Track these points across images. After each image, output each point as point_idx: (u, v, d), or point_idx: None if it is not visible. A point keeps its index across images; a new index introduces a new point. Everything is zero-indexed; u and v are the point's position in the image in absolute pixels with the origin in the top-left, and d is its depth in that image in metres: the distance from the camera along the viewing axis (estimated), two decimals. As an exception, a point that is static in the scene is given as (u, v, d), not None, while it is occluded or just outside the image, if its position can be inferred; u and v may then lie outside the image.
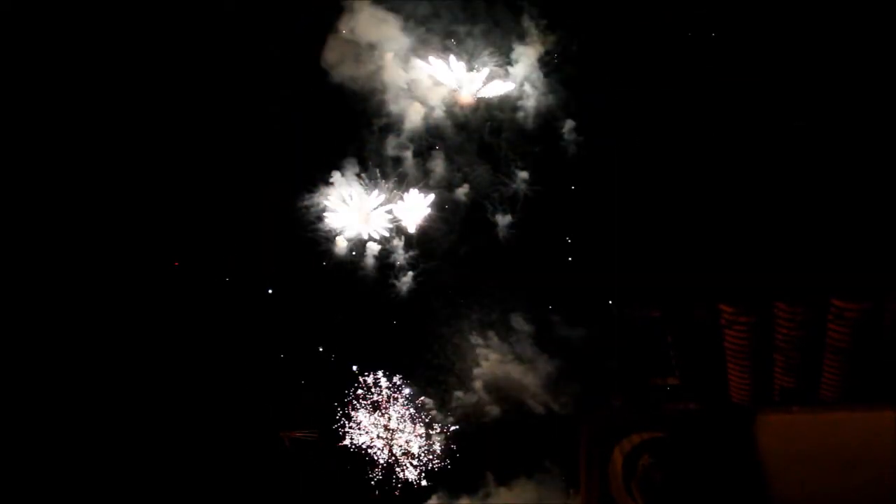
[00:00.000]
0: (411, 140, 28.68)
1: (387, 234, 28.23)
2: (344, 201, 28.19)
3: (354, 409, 27.65)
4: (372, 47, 27.85)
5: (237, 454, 26.38)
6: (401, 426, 27.30)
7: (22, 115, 25.70)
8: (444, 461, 27.33)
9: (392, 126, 28.76)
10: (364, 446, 27.43)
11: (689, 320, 16.55)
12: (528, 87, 28.06)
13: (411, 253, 28.45)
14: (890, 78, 22.01)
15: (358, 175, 28.49)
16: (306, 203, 28.57)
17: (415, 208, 27.68)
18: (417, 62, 27.17)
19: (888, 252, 16.75)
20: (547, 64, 27.75)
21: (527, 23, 27.45)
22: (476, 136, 28.60)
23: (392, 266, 28.45)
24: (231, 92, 26.80)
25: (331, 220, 28.22)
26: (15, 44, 25.48)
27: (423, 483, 27.36)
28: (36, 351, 25.31)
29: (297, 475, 26.76)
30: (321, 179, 28.43)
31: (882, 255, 16.93)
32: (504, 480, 26.15)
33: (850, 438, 14.99)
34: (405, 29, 27.65)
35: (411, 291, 28.32)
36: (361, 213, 28.40)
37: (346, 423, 27.68)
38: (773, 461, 15.09)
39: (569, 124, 27.92)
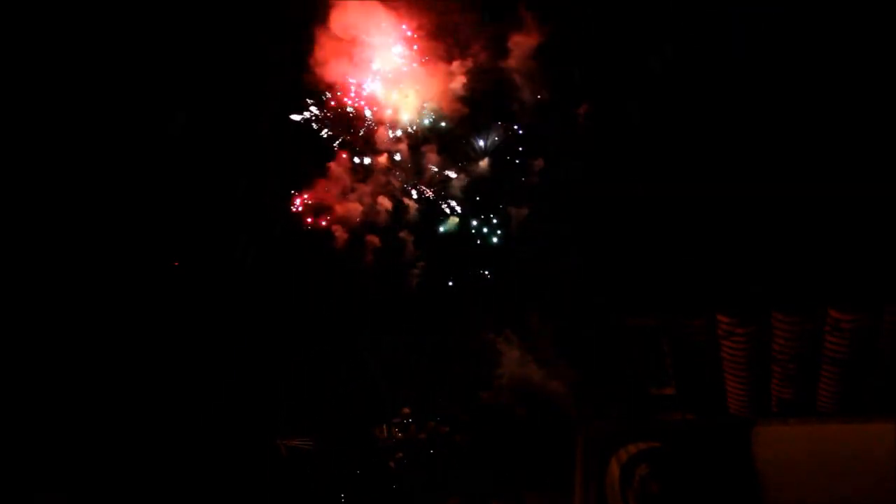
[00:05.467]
0: (405, 133, 28.57)
1: (387, 228, 28.16)
2: (341, 194, 28.10)
3: (355, 416, 27.63)
4: (363, 41, 27.71)
5: (232, 461, 26.33)
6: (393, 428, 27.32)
7: (15, 116, 25.62)
8: (432, 467, 27.28)
9: (385, 119, 28.62)
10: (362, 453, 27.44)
11: (686, 330, 16.56)
12: (520, 78, 27.91)
13: (414, 248, 28.37)
14: (888, 87, 21.96)
15: (353, 169, 28.36)
16: (302, 198, 28.43)
17: (415, 203, 27.61)
18: (409, 54, 27.08)
19: (885, 263, 16.79)
20: (542, 56, 27.59)
21: (522, 12, 27.28)
22: (470, 129, 28.49)
23: (394, 261, 28.38)
24: (222, 89, 26.69)
25: (328, 214, 28.10)
26: (12, 44, 25.41)
27: (414, 486, 27.34)
28: (32, 353, 25.27)
29: (292, 484, 26.75)
30: (316, 174, 28.29)
31: (879, 267, 16.97)
32: (497, 490, 26.12)
33: (848, 450, 14.97)
34: (397, 23, 27.54)
35: (415, 288, 28.25)
36: (359, 206, 28.33)
37: (346, 429, 27.68)
38: (771, 473, 15.08)
39: (563, 125, 27.81)
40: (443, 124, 28.36)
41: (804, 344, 15.26)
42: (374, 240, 28.00)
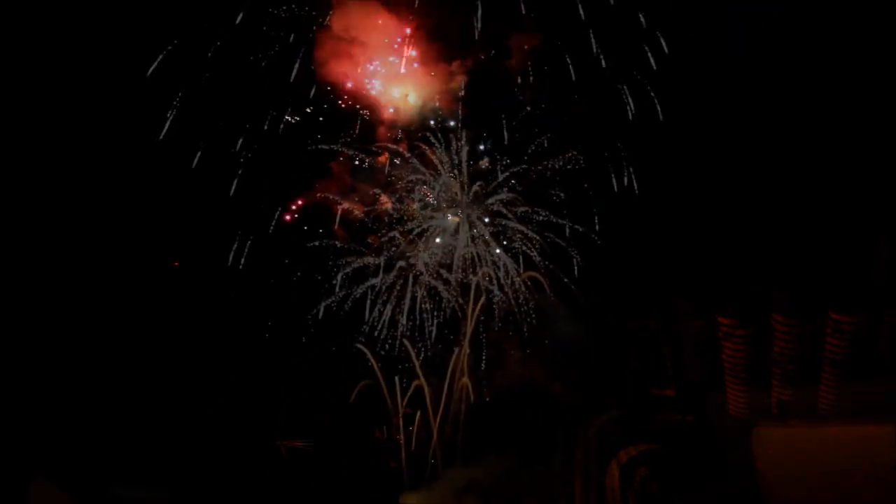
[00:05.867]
0: (405, 131, 28.46)
1: (387, 223, 28.04)
2: (344, 192, 27.99)
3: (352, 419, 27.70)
4: (363, 42, 27.57)
5: (235, 462, 26.38)
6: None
7: (17, 119, 25.58)
8: (427, 470, 27.36)
9: (386, 118, 28.51)
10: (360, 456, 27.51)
11: (686, 332, 16.62)
12: (520, 79, 27.77)
13: (414, 245, 28.27)
14: (884, 97, 21.92)
15: (353, 171, 28.24)
16: (306, 198, 28.35)
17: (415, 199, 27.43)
18: (410, 56, 26.88)
19: (886, 267, 16.81)
20: (541, 56, 27.45)
21: (522, 13, 27.08)
22: (468, 127, 28.37)
23: (396, 258, 28.27)
24: (223, 90, 26.54)
25: (331, 212, 28.02)
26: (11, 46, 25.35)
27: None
28: (35, 354, 25.24)
29: (292, 484, 26.84)
30: (317, 173, 28.14)
31: (880, 270, 17.00)
32: (497, 489, 26.14)
33: (849, 453, 15.01)
34: (396, 23, 27.41)
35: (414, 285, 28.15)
36: (362, 203, 28.21)
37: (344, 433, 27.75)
38: (770, 474, 15.13)
39: (561, 125, 27.70)
40: (449, 124, 28.32)
41: (804, 346, 15.31)
42: (374, 240, 27.95)
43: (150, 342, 26.30)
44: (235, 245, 27.66)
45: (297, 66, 27.06)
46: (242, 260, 27.51)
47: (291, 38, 26.86)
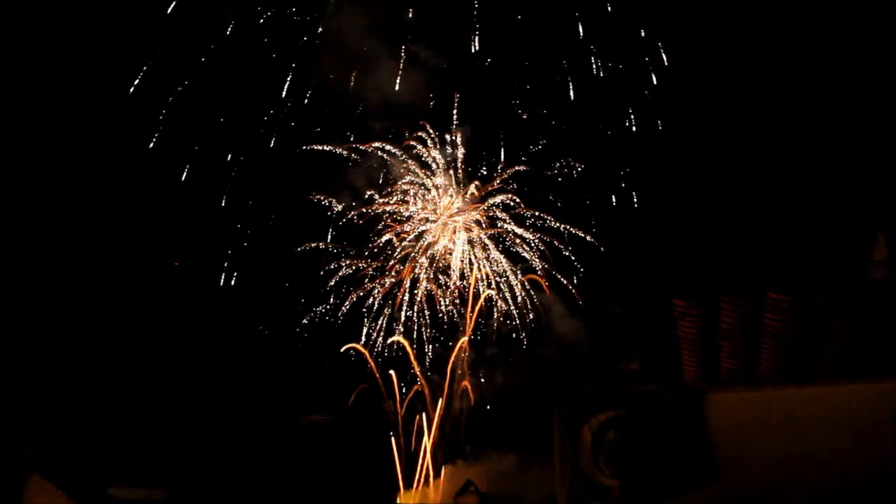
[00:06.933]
0: (402, 133, 29.47)
1: (383, 226, 28.98)
2: (338, 195, 28.90)
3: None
4: (359, 44, 28.45)
5: (233, 464, 26.77)
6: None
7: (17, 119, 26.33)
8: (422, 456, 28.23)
9: (382, 120, 29.47)
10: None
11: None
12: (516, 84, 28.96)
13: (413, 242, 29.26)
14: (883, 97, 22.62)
15: (348, 174, 29.23)
16: (300, 202, 29.32)
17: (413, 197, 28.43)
18: (406, 56, 27.89)
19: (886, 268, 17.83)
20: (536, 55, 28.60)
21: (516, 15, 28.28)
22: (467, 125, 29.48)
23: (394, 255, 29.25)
24: (222, 93, 27.53)
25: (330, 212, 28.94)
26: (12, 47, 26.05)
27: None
28: (37, 352, 25.83)
29: (313, 460, 27.58)
30: (317, 174, 29.14)
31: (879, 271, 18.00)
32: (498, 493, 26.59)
33: (789, 412, 15.58)
34: (393, 24, 28.36)
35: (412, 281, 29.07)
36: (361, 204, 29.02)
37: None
38: (720, 432, 15.85)
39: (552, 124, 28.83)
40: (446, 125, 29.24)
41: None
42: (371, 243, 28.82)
43: (149, 341, 27.25)
44: (228, 254, 28.56)
45: (291, 69, 28.01)
46: (235, 273, 28.49)
47: (286, 41, 27.93)
